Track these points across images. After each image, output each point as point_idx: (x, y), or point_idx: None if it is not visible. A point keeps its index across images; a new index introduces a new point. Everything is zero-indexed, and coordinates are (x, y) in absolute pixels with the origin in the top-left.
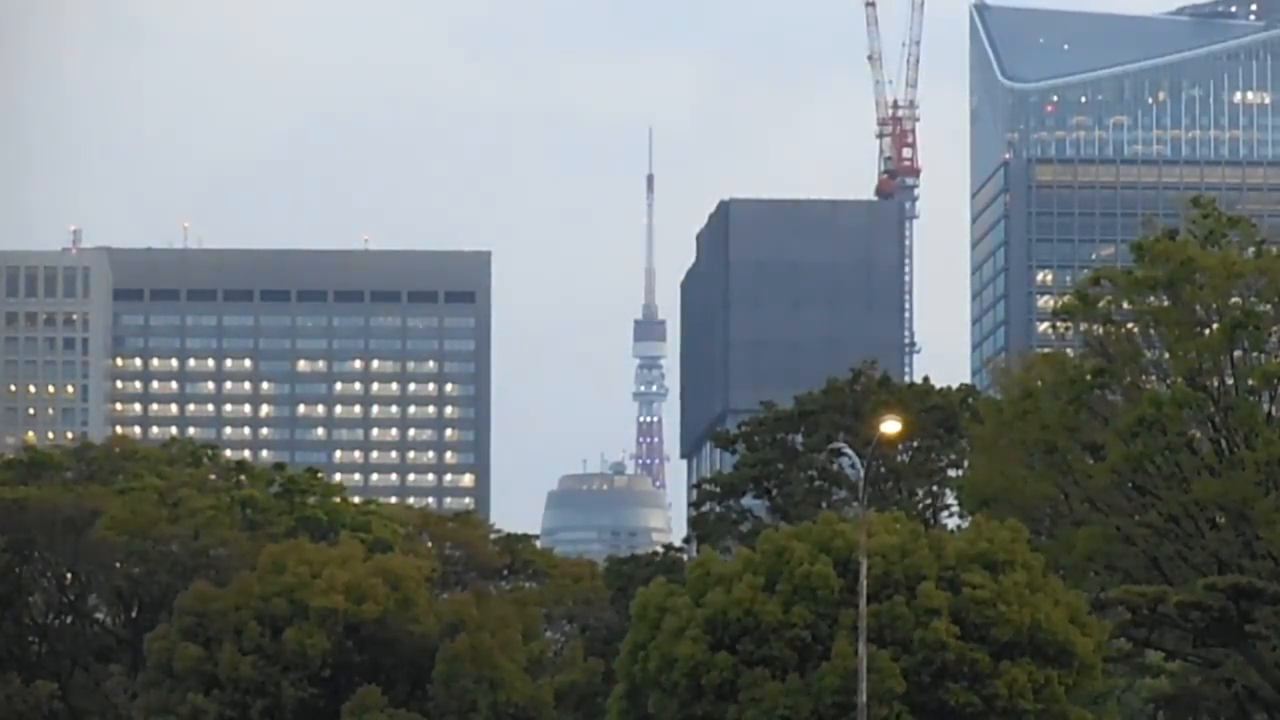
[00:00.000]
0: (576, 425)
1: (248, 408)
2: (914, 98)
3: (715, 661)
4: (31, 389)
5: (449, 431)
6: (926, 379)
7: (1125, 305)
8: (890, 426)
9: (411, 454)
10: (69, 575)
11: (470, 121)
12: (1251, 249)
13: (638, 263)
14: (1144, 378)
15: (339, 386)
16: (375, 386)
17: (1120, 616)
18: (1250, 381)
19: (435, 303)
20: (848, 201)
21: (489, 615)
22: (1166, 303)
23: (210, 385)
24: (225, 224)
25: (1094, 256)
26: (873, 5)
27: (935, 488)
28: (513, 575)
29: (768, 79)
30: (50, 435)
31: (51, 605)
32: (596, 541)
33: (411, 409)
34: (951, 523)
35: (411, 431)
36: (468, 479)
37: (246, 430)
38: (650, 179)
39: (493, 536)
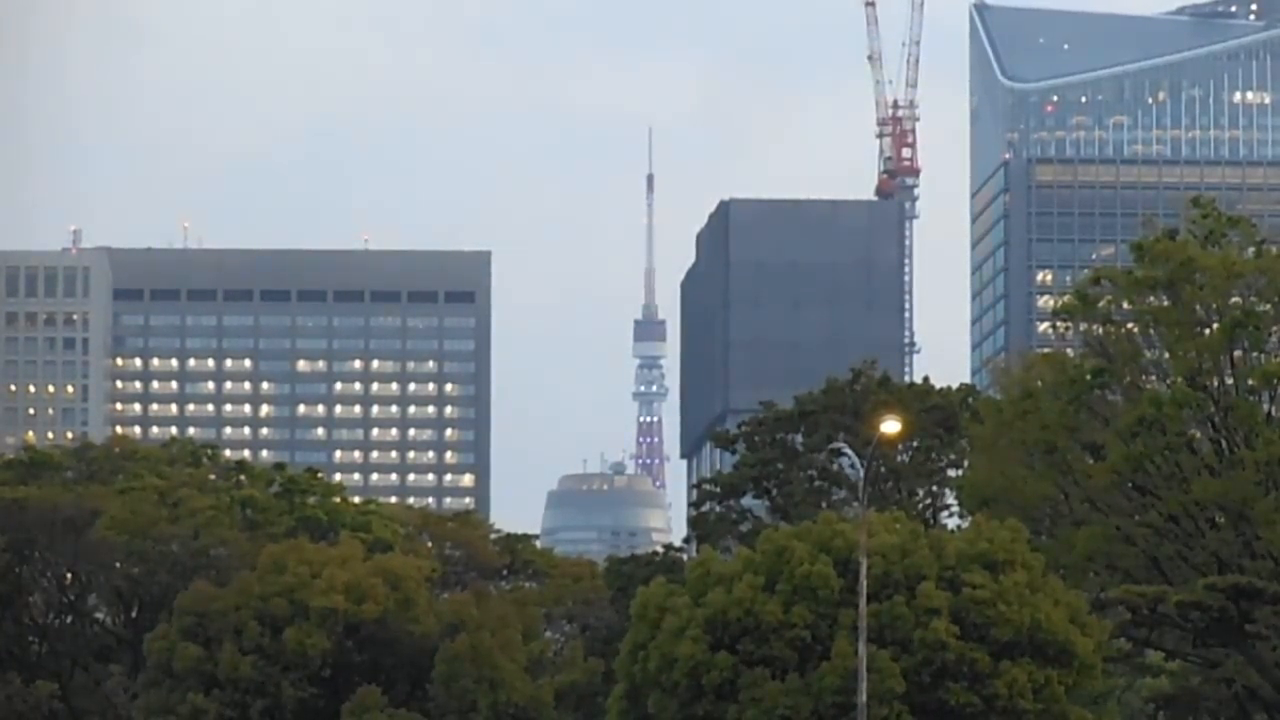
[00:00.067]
0: (576, 425)
1: (248, 408)
2: (914, 98)
3: (715, 661)
4: (31, 389)
5: (449, 431)
6: (926, 379)
7: (1125, 305)
8: (890, 426)
9: (411, 454)
10: (69, 575)
11: (470, 121)
12: (1251, 249)
13: (638, 263)
14: (1144, 378)
15: (339, 386)
16: (375, 386)
17: (1120, 616)
18: (1250, 381)
19: (435, 303)
20: (848, 201)
21: (489, 615)
22: (1166, 303)
23: (210, 385)
24: (225, 224)
25: (1094, 256)
26: (873, 5)
27: (935, 488)
28: (513, 575)
29: (768, 79)
30: (50, 435)
31: (51, 605)
32: (596, 541)
33: (411, 409)
34: (951, 523)
35: (411, 431)
36: (468, 479)
37: (246, 430)
38: (650, 179)
39: (493, 536)
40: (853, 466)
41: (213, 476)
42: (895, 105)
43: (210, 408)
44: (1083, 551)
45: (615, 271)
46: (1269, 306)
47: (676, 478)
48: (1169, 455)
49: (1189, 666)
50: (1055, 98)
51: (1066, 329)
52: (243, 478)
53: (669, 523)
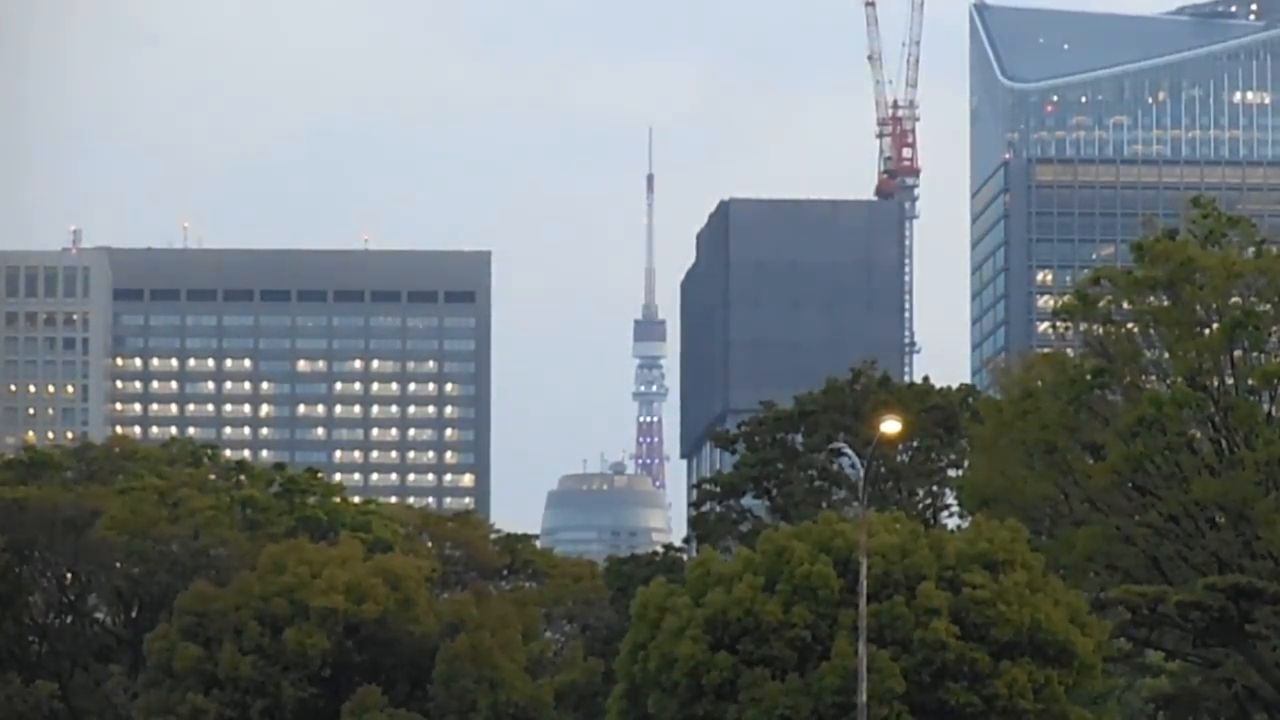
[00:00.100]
0: (576, 425)
1: (248, 408)
2: (914, 98)
3: (715, 661)
4: (31, 389)
5: (449, 431)
6: (926, 379)
7: (1125, 305)
8: (890, 426)
9: (411, 454)
10: (69, 575)
11: (470, 121)
12: (1251, 249)
13: (638, 263)
14: (1144, 378)
15: (339, 386)
16: (375, 386)
17: (1120, 616)
18: (1250, 381)
19: (435, 303)
20: (848, 201)
21: (489, 615)
22: (1166, 303)
23: (210, 385)
24: (225, 224)
25: (1094, 256)
26: (873, 5)
27: (935, 488)
28: (513, 575)
29: (768, 79)
30: (50, 435)
31: (51, 605)
32: (596, 541)
33: (411, 409)
34: (951, 523)
35: (411, 431)
36: (468, 479)
37: (246, 430)
38: (650, 179)
39: (493, 536)
40: (853, 466)
41: (213, 476)
42: (895, 105)
43: (210, 408)
44: (1083, 551)
45: (615, 271)
46: (1269, 306)
47: (676, 478)
48: (1169, 455)
49: (1189, 666)
50: (1055, 98)
51: (1066, 329)
52: (243, 478)
53: (669, 523)
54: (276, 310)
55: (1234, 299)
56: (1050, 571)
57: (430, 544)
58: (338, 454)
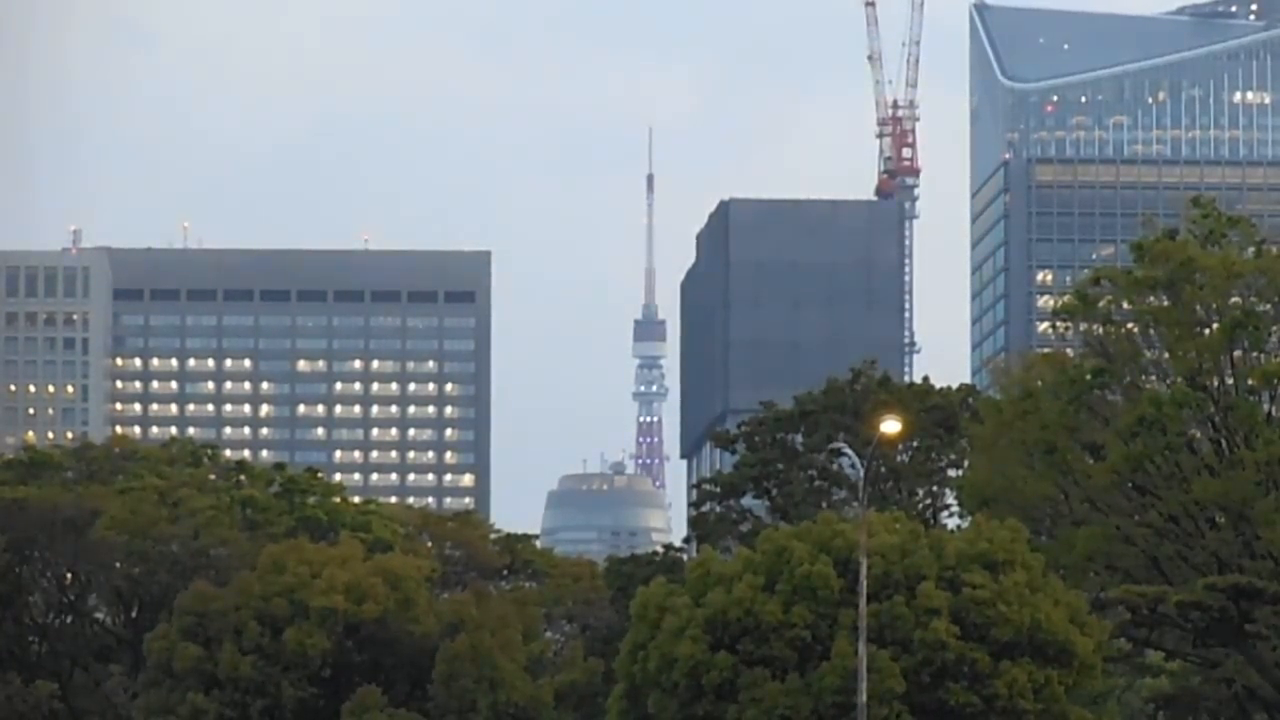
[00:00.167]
0: (576, 425)
1: (248, 408)
2: (914, 98)
3: (715, 661)
4: (31, 389)
5: (449, 431)
6: (926, 379)
7: (1125, 305)
8: (890, 426)
9: (411, 454)
10: (69, 575)
11: (471, 121)
12: (1251, 249)
13: (638, 263)
14: (1144, 378)
15: (339, 386)
16: (375, 386)
17: (1120, 616)
18: (1250, 381)
19: (435, 303)
20: (848, 201)
21: (489, 615)
22: (1166, 303)
23: (210, 385)
24: (225, 224)
25: (1094, 256)
26: (873, 5)
27: (935, 488)
28: (513, 575)
29: (768, 79)
30: (50, 435)
31: (51, 605)
32: (596, 541)
33: (411, 409)
34: (951, 523)
35: (411, 431)
36: (468, 479)
37: (246, 430)
38: (650, 179)
39: (493, 536)
40: (853, 466)
41: (213, 476)
42: (895, 105)
43: (210, 408)
44: (1083, 551)
45: (615, 271)
46: (1269, 306)
47: (676, 478)
48: (1169, 455)
49: (1189, 666)
50: (1055, 98)
51: (1066, 329)
52: (243, 478)
53: (669, 523)
54: (276, 310)
55: (1234, 299)
56: (1050, 571)
57: (430, 544)
58: (338, 454)
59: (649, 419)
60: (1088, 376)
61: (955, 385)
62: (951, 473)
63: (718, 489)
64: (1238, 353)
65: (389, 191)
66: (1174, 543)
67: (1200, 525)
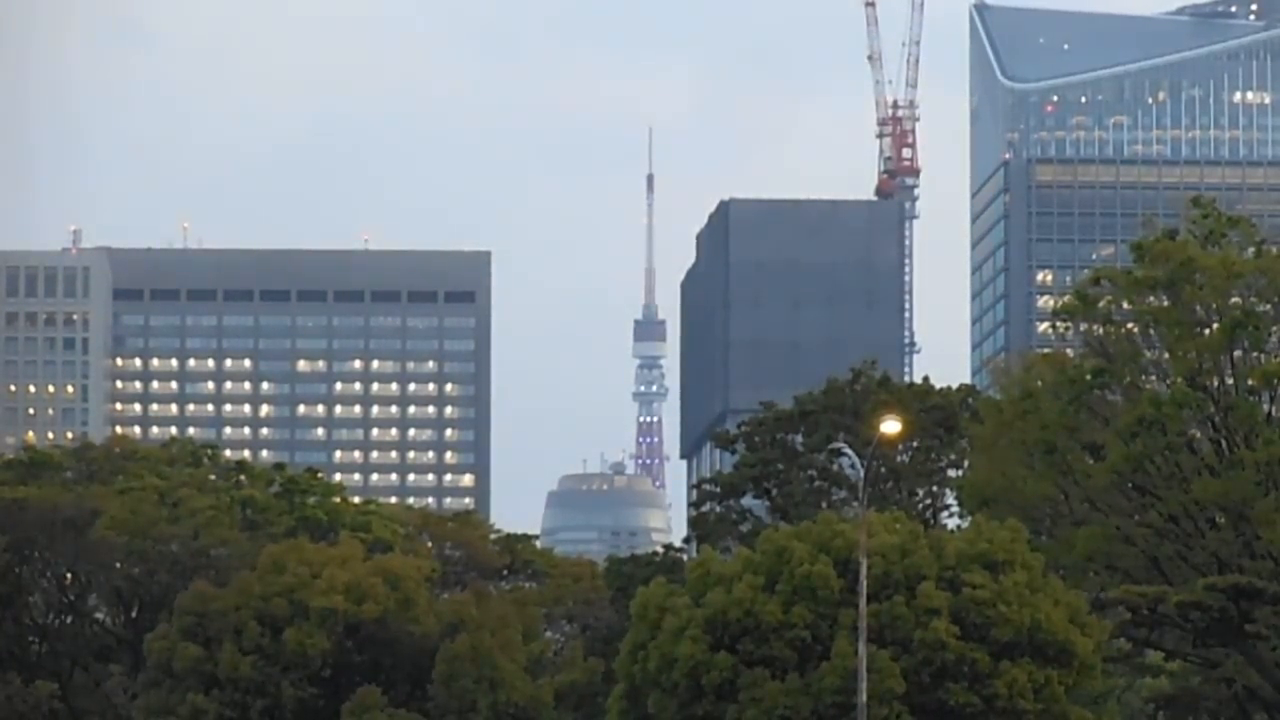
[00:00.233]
0: (576, 425)
1: (248, 408)
2: (914, 98)
3: (715, 661)
4: (31, 389)
5: (449, 431)
6: (926, 379)
7: (1125, 305)
8: (890, 426)
9: (411, 454)
10: (69, 575)
11: (470, 121)
12: (1251, 249)
13: (638, 263)
14: (1144, 378)
15: (339, 386)
16: (375, 386)
17: (1120, 616)
18: (1250, 381)
19: (435, 303)
20: (848, 201)
21: (489, 615)
22: (1166, 303)
23: (210, 385)
24: (225, 224)
25: (1094, 256)
26: (873, 5)
27: (935, 488)
28: (513, 575)
29: (767, 79)
30: (50, 435)
31: (51, 605)
32: (596, 541)
33: (411, 409)
34: (951, 523)
35: (411, 431)
36: (468, 479)
37: (246, 430)
38: (650, 179)
39: (493, 536)
40: (853, 466)
41: (213, 476)
42: (895, 105)
43: (210, 408)
44: (1083, 551)
45: (615, 271)
46: (1269, 306)
47: (676, 478)
48: (1169, 455)
49: (1189, 666)
50: (1055, 98)
51: (1066, 329)
52: (243, 478)
53: (669, 523)
54: (276, 310)
55: (1234, 299)
56: (1050, 571)
57: (430, 544)
58: (338, 454)
59: (649, 419)
60: (1088, 376)
61: (955, 385)
62: (951, 473)
63: (718, 489)
64: (1238, 353)
65: (389, 191)
66: (1174, 543)
67: (1200, 525)
